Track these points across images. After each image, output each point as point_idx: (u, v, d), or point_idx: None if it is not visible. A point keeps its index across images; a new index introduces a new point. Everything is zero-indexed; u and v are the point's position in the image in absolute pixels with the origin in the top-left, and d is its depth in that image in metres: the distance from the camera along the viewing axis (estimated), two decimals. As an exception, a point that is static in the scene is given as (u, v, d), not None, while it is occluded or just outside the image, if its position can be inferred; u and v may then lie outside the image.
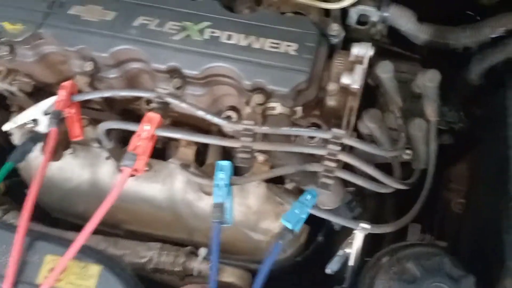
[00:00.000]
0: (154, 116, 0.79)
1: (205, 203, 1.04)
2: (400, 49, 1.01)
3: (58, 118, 0.84)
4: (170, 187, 1.06)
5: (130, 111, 1.07)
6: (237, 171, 1.09)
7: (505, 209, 0.74)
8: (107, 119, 1.05)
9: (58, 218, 1.19)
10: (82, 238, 0.76)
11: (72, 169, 1.10)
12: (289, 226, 0.73)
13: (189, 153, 1.07)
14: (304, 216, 0.74)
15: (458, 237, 0.94)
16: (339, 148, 0.76)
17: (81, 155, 1.10)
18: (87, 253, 0.80)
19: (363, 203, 1.08)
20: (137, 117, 1.08)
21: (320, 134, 0.79)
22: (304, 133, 0.79)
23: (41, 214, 1.15)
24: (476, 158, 1.00)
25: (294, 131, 0.78)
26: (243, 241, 1.03)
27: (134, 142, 0.78)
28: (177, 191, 1.05)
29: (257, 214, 1.02)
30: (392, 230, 0.77)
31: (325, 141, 0.79)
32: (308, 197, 0.74)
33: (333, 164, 0.75)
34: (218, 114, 0.98)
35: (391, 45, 1.01)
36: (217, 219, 0.74)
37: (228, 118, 0.96)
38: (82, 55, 0.89)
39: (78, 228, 1.12)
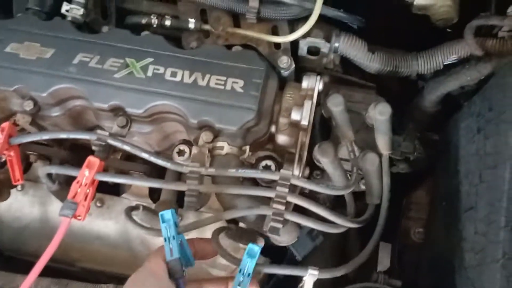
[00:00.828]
0: (94, 161, 0.76)
1: (160, 240, 1.00)
2: (354, 78, 0.99)
3: (-6, 163, 0.80)
4: (124, 224, 1.02)
5: (79, 146, 1.03)
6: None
7: (456, 248, 0.72)
8: (56, 155, 1.01)
9: (10, 256, 1.14)
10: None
11: (21, 207, 1.06)
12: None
13: (143, 188, 1.04)
14: (247, 280, 0.71)
15: (417, 268, 0.93)
16: (287, 190, 0.74)
17: (30, 192, 1.06)
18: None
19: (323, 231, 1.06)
20: (87, 151, 1.05)
21: (267, 176, 0.77)
22: (250, 175, 0.76)
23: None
24: (433, 185, 0.98)
25: (241, 173, 0.76)
26: (201, 277, 0.99)
27: (73, 189, 0.75)
28: (131, 228, 1.02)
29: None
30: (343, 274, 0.75)
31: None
32: (248, 262, 0.70)
33: (281, 207, 0.73)
34: (171, 147, 0.96)
35: (345, 73, 0.99)
36: (178, 276, 0.70)
37: (180, 152, 0.93)
38: (21, 94, 0.85)
39: (29, 265, 1.09)
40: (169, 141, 0.95)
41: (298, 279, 1.03)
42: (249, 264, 0.69)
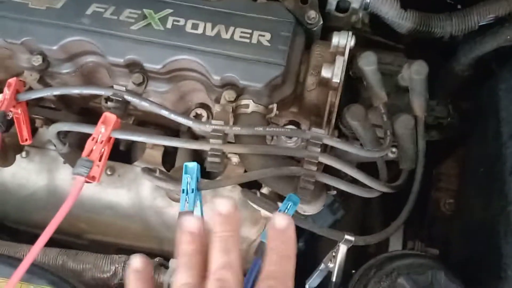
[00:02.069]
0: (110, 117, 0.70)
1: (175, 210, 0.95)
2: (383, 39, 0.93)
3: (1, 120, 0.74)
4: (137, 193, 0.97)
5: (90, 110, 0.97)
6: (209, 174, 1.01)
7: (501, 214, 0.67)
8: (64, 119, 0.95)
9: (16, 229, 1.09)
10: (30, 258, 0.67)
11: (27, 175, 1.00)
12: None
13: (156, 155, 0.99)
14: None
15: (448, 240, 0.88)
16: (319, 149, 0.68)
17: (36, 159, 1.00)
18: (38, 273, 0.70)
19: (346, 204, 1.01)
20: (98, 116, 0.99)
21: (298, 135, 0.71)
22: (280, 133, 0.71)
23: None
24: (465, 155, 0.93)
25: (269, 131, 0.70)
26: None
27: (89, 146, 0.69)
28: (145, 197, 0.96)
29: (232, 221, 0.93)
30: (378, 241, 0.70)
31: (304, 141, 0.71)
32: (289, 204, 0.65)
33: (313, 167, 0.68)
34: (186, 112, 0.90)
35: (374, 34, 0.93)
36: None
37: (197, 116, 0.88)
38: (29, 48, 0.79)
39: (35, 238, 1.04)
40: (185, 104, 0.89)
41: (318, 253, 0.99)
42: (290, 208, 0.64)
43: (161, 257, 0.93)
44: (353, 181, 0.75)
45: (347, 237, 0.67)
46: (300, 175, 0.68)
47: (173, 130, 0.97)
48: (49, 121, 0.98)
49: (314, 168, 0.68)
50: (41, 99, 0.87)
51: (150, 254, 0.97)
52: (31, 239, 0.95)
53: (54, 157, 0.98)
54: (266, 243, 0.51)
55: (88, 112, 0.98)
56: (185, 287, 0.49)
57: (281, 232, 0.51)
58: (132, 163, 0.99)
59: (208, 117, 0.88)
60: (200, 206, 0.68)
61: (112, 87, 0.79)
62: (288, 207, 0.66)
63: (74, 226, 1.00)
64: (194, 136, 0.97)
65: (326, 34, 0.87)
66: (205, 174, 0.96)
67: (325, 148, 0.73)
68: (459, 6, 1.04)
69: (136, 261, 0.52)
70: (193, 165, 0.66)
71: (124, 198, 0.97)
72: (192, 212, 0.65)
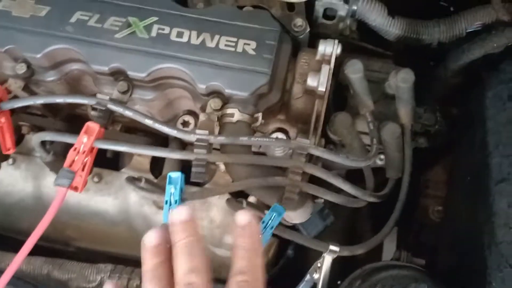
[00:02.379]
0: (93, 127, 0.69)
1: (163, 218, 0.95)
2: (371, 46, 0.93)
3: (-16, 130, 0.73)
4: (124, 200, 0.96)
5: (77, 117, 0.96)
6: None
7: (486, 224, 0.67)
8: (50, 126, 0.95)
9: (0, 234, 1.08)
10: (11, 269, 0.66)
11: (13, 182, 0.99)
12: None
13: (144, 162, 0.98)
14: (267, 238, 0.65)
15: (436, 247, 0.87)
16: (304, 159, 0.68)
17: (22, 166, 0.99)
18: (19, 285, 0.70)
19: (336, 210, 1.00)
20: (84, 123, 0.99)
21: (283, 144, 0.71)
22: (264, 143, 0.70)
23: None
24: (453, 162, 0.93)
25: (253, 141, 0.69)
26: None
27: (70, 156, 0.68)
28: (132, 204, 0.96)
29: (221, 228, 0.93)
30: (364, 251, 0.70)
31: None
32: (273, 215, 0.65)
33: (298, 178, 0.67)
34: (174, 118, 0.90)
35: (362, 41, 0.93)
36: None
37: (185, 124, 0.87)
38: (13, 56, 0.78)
39: (22, 246, 1.03)
40: (173, 111, 0.88)
41: (308, 261, 0.99)
42: (274, 219, 0.64)
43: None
44: (339, 190, 0.74)
45: (331, 247, 0.67)
46: (285, 185, 0.67)
47: (161, 137, 0.97)
48: (35, 128, 0.97)
49: (299, 178, 0.67)
50: (27, 106, 0.86)
51: (138, 261, 0.98)
52: (18, 247, 0.95)
53: (40, 164, 0.97)
54: (233, 241, 0.53)
55: (75, 118, 0.97)
56: None
57: (245, 228, 0.52)
58: (120, 170, 0.98)
59: (195, 125, 0.87)
60: None
61: (95, 95, 0.78)
62: (272, 218, 0.65)
63: (61, 233, 0.99)
64: (182, 142, 0.96)
65: (314, 41, 0.86)
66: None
67: (311, 157, 0.72)
68: (452, 9, 1.04)
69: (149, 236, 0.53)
70: (176, 175, 0.66)
71: (111, 205, 0.96)
72: None
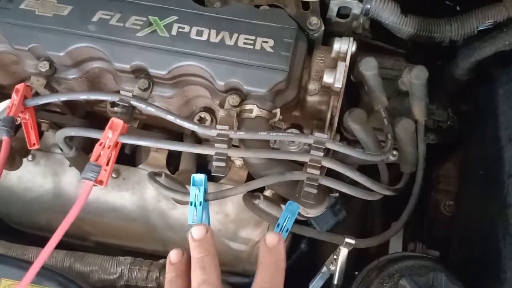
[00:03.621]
0: (117, 122, 0.71)
1: (179, 213, 0.97)
2: (383, 43, 0.95)
3: (9, 125, 0.75)
4: (141, 195, 0.98)
5: (95, 114, 0.99)
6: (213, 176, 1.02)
7: (500, 216, 0.69)
8: (69, 123, 0.97)
9: (18, 229, 1.10)
10: (41, 260, 0.68)
11: (32, 178, 1.01)
12: None
13: (160, 158, 1.00)
14: (285, 235, 0.67)
15: (448, 241, 0.89)
16: (321, 153, 0.70)
17: (42, 162, 1.01)
18: (47, 276, 0.72)
19: (348, 205, 1.02)
20: (102, 120, 1.01)
21: (301, 139, 0.73)
22: (283, 138, 0.72)
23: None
24: (464, 157, 0.95)
25: (273, 136, 0.71)
26: (221, 251, 0.96)
27: (96, 151, 0.70)
28: (149, 200, 0.98)
29: (236, 222, 0.95)
30: (379, 243, 0.71)
31: (307, 144, 0.73)
32: (287, 216, 0.67)
33: (316, 172, 0.69)
34: (190, 115, 0.92)
35: (374, 38, 0.95)
36: None
37: (201, 120, 0.89)
38: (36, 54, 0.80)
39: (40, 240, 1.05)
40: (190, 108, 0.90)
41: (322, 254, 1.00)
42: (288, 220, 0.66)
43: (165, 258, 0.95)
44: (355, 184, 0.76)
45: (347, 240, 0.69)
46: (303, 179, 0.69)
47: (176, 133, 0.99)
48: (54, 125, 0.99)
49: (317, 172, 0.69)
50: (47, 103, 0.89)
51: (154, 256, 1.00)
52: (36, 241, 0.98)
53: (59, 161, 1.00)
54: (259, 257, 0.60)
55: (93, 115, 0.99)
56: None
57: (272, 249, 0.60)
58: (137, 166, 1.00)
59: (212, 121, 0.89)
60: (207, 217, 0.69)
61: (118, 92, 0.80)
62: (286, 219, 0.67)
63: (79, 228, 1.02)
64: (197, 139, 0.98)
65: (327, 39, 0.88)
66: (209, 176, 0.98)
67: (327, 152, 0.74)
68: (458, 8, 1.06)
69: (173, 254, 0.63)
70: (200, 177, 0.68)
71: (129, 200, 0.98)
72: None
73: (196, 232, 0.62)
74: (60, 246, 0.87)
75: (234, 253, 0.97)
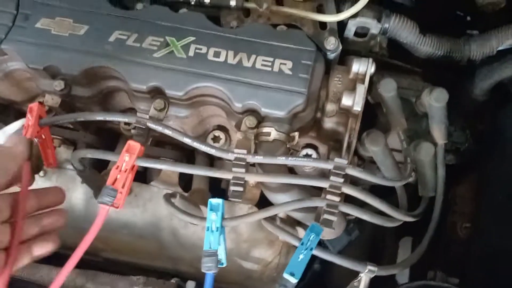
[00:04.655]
0: (134, 145, 0.70)
1: (191, 231, 0.96)
2: (399, 62, 0.94)
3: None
4: (153, 213, 0.97)
5: (107, 130, 0.98)
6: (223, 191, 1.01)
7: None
8: (81, 139, 0.96)
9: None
10: (57, 285, 0.67)
11: (43, 194, 1.00)
12: (294, 279, 0.64)
13: (172, 175, 0.99)
14: (307, 260, 0.66)
15: (465, 264, 0.88)
16: (342, 179, 0.69)
17: (53, 178, 1.00)
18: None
19: (360, 224, 1.01)
20: (114, 136, 1.00)
21: (320, 165, 0.71)
22: (302, 163, 0.71)
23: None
24: (481, 178, 0.93)
25: (291, 161, 0.70)
26: (233, 271, 0.95)
27: (113, 175, 0.69)
28: (161, 217, 0.97)
29: (249, 242, 0.94)
30: (401, 271, 0.70)
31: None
32: (312, 236, 0.66)
33: (336, 198, 0.68)
34: (204, 134, 0.91)
35: (390, 57, 0.94)
36: (209, 270, 0.65)
37: (215, 139, 0.88)
38: (51, 73, 0.79)
39: (51, 256, 1.04)
40: (204, 127, 0.89)
41: (337, 273, 0.99)
42: (313, 240, 0.64)
43: (176, 277, 0.94)
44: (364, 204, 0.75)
45: (370, 267, 0.67)
46: (322, 206, 0.68)
47: (189, 150, 0.98)
48: (66, 141, 0.99)
49: (337, 198, 0.68)
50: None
51: (165, 274, 0.99)
52: (47, 257, 0.96)
53: (71, 177, 0.99)
54: None
55: (103, 131, 0.98)
56: None
57: None
58: (149, 182, 0.99)
59: (226, 140, 0.89)
60: (224, 242, 0.68)
61: (132, 109, 0.79)
62: (311, 239, 0.66)
63: (90, 244, 1.00)
64: (210, 156, 0.97)
65: (342, 57, 0.87)
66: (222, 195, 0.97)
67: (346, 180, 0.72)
68: (468, 18, 1.04)
69: None
70: (218, 202, 0.67)
71: (140, 217, 0.97)
72: (216, 251, 0.66)
73: None
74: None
75: (246, 272, 0.96)
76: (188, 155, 0.99)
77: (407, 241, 1.13)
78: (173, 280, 0.92)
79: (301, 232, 0.85)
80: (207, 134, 0.90)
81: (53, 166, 0.81)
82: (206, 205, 0.88)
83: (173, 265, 1.00)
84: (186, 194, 0.92)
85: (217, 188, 0.99)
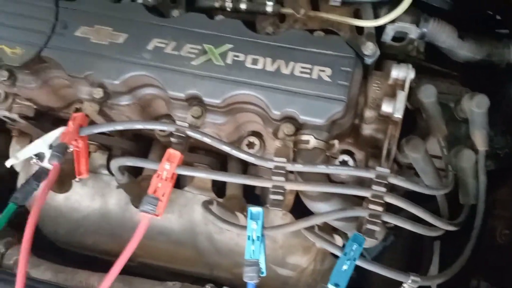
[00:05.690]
0: (174, 154, 0.71)
1: (227, 237, 0.96)
2: (436, 66, 0.92)
3: (61, 151, 0.75)
4: (188, 218, 0.98)
5: (142, 136, 0.99)
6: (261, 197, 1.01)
7: None
8: (117, 145, 0.97)
9: (62, 248, 1.11)
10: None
11: (79, 199, 1.02)
12: None
13: (206, 181, 0.99)
14: (351, 270, 0.65)
15: (504, 272, 0.86)
16: (384, 189, 0.68)
17: (89, 183, 1.02)
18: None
19: (395, 230, 1.00)
20: (149, 142, 1.01)
21: (362, 174, 0.71)
22: (343, 171, 0.70)
23: (45, 244, 1.07)
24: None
25: (332, 169, 0.70)
26: (270, 277, 0.94)
27: (154, 183, 0.70)
28: (196, 223, 0.97)
29: (284, 248, 0.94)
30: (445, 280, 0.69)
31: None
32: (355, 246, 0.65)
33: (378, 208, 0.67)
34: (238, 140, 0.90)
35: (427, 61, 0.92)
36: (251, 280, 0.65)
37: (250, 145, 0.88)
38: (91, 81, 0.80)
39: (86, 261, 1.05)
40: (238, 133, 0.89)
41: (373, 279, 0.98)
42: (356, 250, 0.64)
43: (212, 282, 0.94)
44: (413, 218, 0.74)
45: (413, 277, 0.66)
46: (365, 216, 0.68)
47: (221, 155, 0.98)
48: (102, 146, 1.00)
49: (380, 208, 0.67)
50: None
51: (200, 279, 0.99)
52: (82, 261, 0.98)
53: (107, 182, 1.00)
54: None
55: (138, 137, 0.99)
56: None
57: None
58: (182, 187, 1.00)
59: (260, 146, 0.88)
60: (263, 248, 0.68)
61: (169, 116, 0.79)
62: (354, 249, 0.65)
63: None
64: (243, 162, 0.97)
65: (379, 62, 0.86)
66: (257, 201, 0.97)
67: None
68: (498, 17, 1.02)
69: None
70: (258, 210, 0.67)
71: (176, 223, 0.98)
72: (258, 261, 0.66)
73: None
74: (106, 266, 0.87)
75: (282, 279, 0.96)
76: (221, 160, 0.99)
77: (435, 244, 1.11)
78: (208, 286, 0.92)
79: (337, 239, 0.85)
80: (242, 140, 0.90)
81: (84, 177, 0.81)
82: (241, 211, 0.90)
83: (209, 270, 1.01)
84: (221, 201, 0.92)
85: (251, 194, 0.99)
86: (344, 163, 0.85)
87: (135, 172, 0.96)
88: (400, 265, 0.96)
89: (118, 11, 0.80)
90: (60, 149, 0.76)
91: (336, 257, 0.98)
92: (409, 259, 1.05)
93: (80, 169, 0.83)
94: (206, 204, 0.76)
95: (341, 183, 0.85)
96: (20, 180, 1.01)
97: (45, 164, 0.80)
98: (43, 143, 0.81)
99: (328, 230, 0.85)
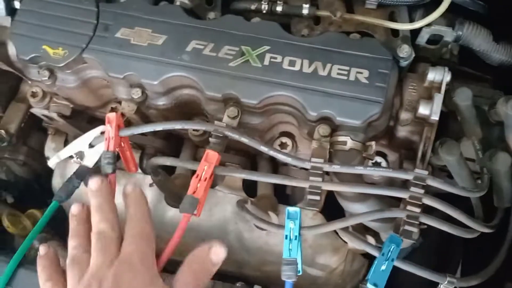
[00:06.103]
0: (213, 155, 0.72)
1: (257, 236, 0.97)
2: (469, 69, 0.92)
3: (113, 161, 0.77)
4: (219, 217, 0.99)
5: (174, 135, 1.00)
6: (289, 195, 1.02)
7: None
8: (150, 144, 0.99)
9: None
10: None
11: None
12: None
13: (237, 180, 1.00)
14: (389, 271, 0.66)
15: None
16: (422, 190, 0.68)
17: (122, 181, 1.03)
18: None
19: (425, 230, 1.00)
20: (179, 140, 1.02)
21: (400, 175, 0.71)
22: (381, 173, 0.71)
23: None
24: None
25: (369, 170, 0.70)
26: (298, 276, 0.96)
27: (193, 184, 0.71)
28: (227, 221, 0.98)
29: (313, 248, 0.95)
30: (481, 281, 0.70)
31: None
32: (392, 247, 0.66)
33: (416, 209, 0.68)
34: (270, 140, 0.92)
35: (460, 64, 0.92)
36: (289, 278, 0.67)
37: (282, 145, 0.89)
38: (130, 82, 0.82)
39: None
40: (271, 133, 0.90)
41: (401, 279, 0.99)
42: (394, 250, 0.65)
43: (241, 280, 0.95)
44: (448, 219, 0.74)
45: (449, 279, 0.67)
46: (402, 217, 0.68)
47: (252, 154, 0.99)
48: (136, 145, 1.02)
49: (418, 209, 0.68)
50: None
51: (230, 277, 1.00)
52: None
53: (139, 180, 1.01)
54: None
55: (171, 136, 1.01)
56: (74, 250, 0.67)
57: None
58: (214, 187, 1.01)
59: (292, 146, 0.89)
60: (300, 251, 0.69)
61: (205, 116, 0.80)
62: (391, 250, 0.66)
63: (156, 247, 1.03)
64: (273, 161, 0.99)
65: (412, 63, 0.86)
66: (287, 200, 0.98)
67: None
68: None
69: (73, 207, 0.72)
70: (295, 210, 0.68)
71: (207, 222, 0.99)
72: (295, 260, 0.67)
73: (92, 184, 0.71)
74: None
75: (311, 278, 0.97)
76: (251, 159, 1.00)
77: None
78: (238, 284, 0.94)
79: (370, 239, 0.85)
80: (273, 140, 0.91)
81: (135, 170, 0.83)
82: (272, 210, 0.91)
83: (238, 268, 1.02)
84: (254, 200, 0.93)
85: (281, 194, 1.00)
86: (377, 164, 0.85)
87: (167, 169, 0.98)
88: (428, 267, 0.97)
89: (157, 13, 0.82)
90: (112, 159, 0.78)
91: (368, 258, 1.00)
92: (436, 260, 1.06)
93: (130, 166, 0.86)
94: (242, 203, 0.77)
95: (373, 184, 0.86)
96: (55, 178, 1.03)
97: (85, 162, 0.83)
98: (83, 143, 0.84)
99: (361, 230, 0.86)
